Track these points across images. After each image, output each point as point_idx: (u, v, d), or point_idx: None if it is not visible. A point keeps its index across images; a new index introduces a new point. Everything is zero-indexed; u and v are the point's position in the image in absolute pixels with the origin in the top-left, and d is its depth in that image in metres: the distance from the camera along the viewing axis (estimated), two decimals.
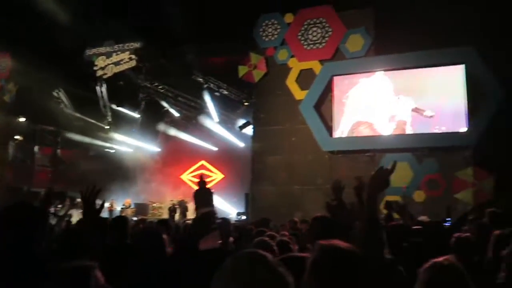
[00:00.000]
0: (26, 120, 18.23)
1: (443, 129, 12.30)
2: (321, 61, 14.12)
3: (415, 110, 12.80)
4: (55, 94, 18.51)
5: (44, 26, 16.30)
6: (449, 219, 6.98)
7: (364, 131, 13.36)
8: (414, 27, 11.43)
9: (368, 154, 12.92)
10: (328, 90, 13.83)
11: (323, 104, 13.80)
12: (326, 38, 14.25)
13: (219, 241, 3.48)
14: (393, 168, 2.03)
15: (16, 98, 17.85)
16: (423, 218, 5.31)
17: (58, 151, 20.16)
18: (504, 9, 10.75)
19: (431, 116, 12.56)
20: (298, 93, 14.14)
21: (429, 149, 12.25)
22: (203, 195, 3.09)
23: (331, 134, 13.56)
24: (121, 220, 3.66)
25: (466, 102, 11.96)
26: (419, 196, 12.25)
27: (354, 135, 13.44)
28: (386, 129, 13.11)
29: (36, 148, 19.19)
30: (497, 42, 10.94)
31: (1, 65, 17.95)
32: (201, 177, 3.53)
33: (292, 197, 13.27)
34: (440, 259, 1.90)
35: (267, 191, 13.96)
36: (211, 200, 3.12)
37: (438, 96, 12.40)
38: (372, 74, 13.40)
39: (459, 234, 3.51)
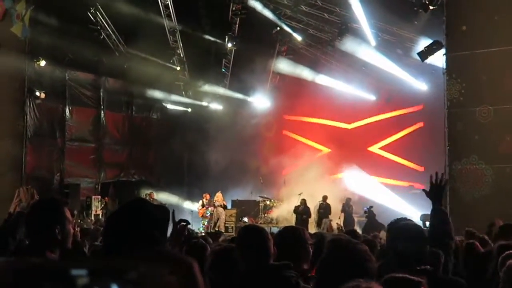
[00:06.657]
0: (48, 64, 12.57)
1: None
2: None
3: None
4: (91, 17, 12.49)
5: None
6: None
7: None
8: None
9: None
10: None
11: None
12: None
13: None
14: None
15: (31, 29, 11.94)
16: None
17: (102, 114, 14.60)
18: None
19: None
20: None
21: None
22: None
23: None
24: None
25: None
26: None
27: None
28: None
29: (67, 111, 13.60)
30: None
31: None
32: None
33: None
34: None
35: (479, 173, 9.56)
36: None
37: None
38: None
39: None
